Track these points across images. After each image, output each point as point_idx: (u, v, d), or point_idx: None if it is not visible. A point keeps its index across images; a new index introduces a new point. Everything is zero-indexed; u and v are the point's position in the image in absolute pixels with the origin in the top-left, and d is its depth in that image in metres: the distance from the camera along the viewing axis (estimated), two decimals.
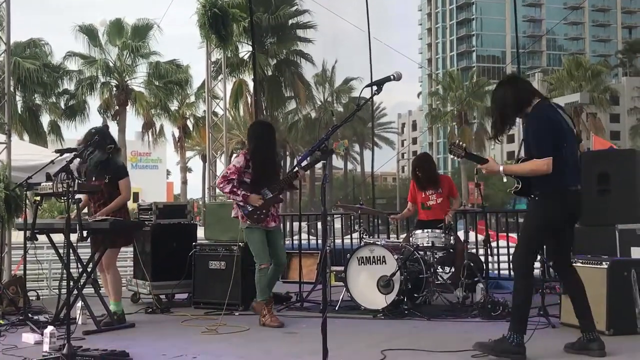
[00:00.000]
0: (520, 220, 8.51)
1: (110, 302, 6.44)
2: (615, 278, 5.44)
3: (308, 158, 4.75)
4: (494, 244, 8.58)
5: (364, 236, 7.37)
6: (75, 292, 6.06)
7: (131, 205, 7.81)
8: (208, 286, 7.34)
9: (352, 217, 9.78)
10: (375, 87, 4.36)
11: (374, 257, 6.80)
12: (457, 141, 5.32)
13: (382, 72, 4.73)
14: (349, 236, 10.27)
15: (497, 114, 4.93)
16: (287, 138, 50.90)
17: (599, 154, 7.63)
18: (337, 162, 58.68)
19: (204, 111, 21.76)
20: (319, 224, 8.40)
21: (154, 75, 33.16)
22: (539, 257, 6.00)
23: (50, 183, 5.59)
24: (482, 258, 7.76)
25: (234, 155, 11.26)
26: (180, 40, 47.70)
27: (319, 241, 9.60)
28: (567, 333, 5.22)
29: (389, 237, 9.82)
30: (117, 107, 34.16)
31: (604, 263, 5.50)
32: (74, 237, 5.57)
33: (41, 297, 8.17)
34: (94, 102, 33.58)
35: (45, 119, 33.08)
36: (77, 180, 5.35)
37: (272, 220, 6.48)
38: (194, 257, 7.52)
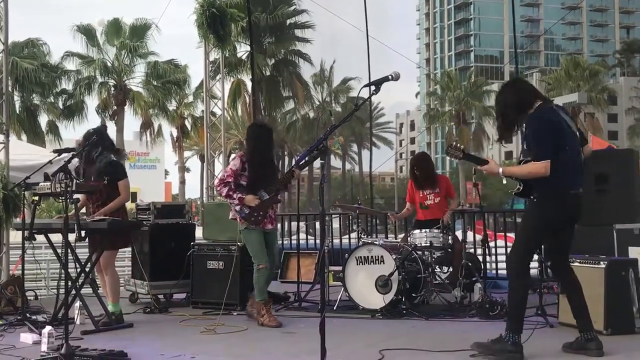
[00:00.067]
0: (518, 220, 8.52)
1: (108, 303, 6.43)
2: (613, 278, 5.45)
3: (306, 157, 4.75)
4: (491, 244, 8.58)
5: (362, 236, 7.37)
6: (74, 292, 6.06)
7: (129, 205, 7.81)
8: (206, 286, 7.34)
9: (350, 217, 9.79)
10: (373, 87, 4.36)
11: (372, 257, 6.81)
12: (455, 143, 5.29)
13: (380, 72, 4.75)
14: (347, 236, 10.26)
15: (500, 116, 4.95)
16: (286, 138, 50.91)
17: (597, 154, 7.61)
18: (335, 162, 58.79)
19: (202, 111, 21.70)
20: (317, 224, 8.41)
21: (152, 75, 33.18)
22: (536, 257, 6.01)
23: (49, 183, 5.58)
24: (480, 258, 7.80)
25: (232, 156, 11.26)
26: (180, 40, 47.48)
27: (317, 241, 9.61)
28: (565, 333, 5.22)
29: (387, 237, 9.83)
30: (115, 107, 34.17)
31: (601, 263, 5.51)
32: (72, 237, 5.57)
33: (39, 297, 8.14)
34: (92, 102, 33.70)
35: (43, 119, 33.19)
36: (75, 180, 5.35)
37: (269, 223, 6.49)
38: (192, 257, 7.53)
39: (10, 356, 5.09)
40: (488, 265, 8.04)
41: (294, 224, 11.02)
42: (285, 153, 52.91)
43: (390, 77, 4.32)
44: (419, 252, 6.99)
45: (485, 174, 5.21)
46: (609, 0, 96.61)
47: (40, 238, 6.49)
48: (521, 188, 4.85)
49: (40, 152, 10.24)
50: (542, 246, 5.73)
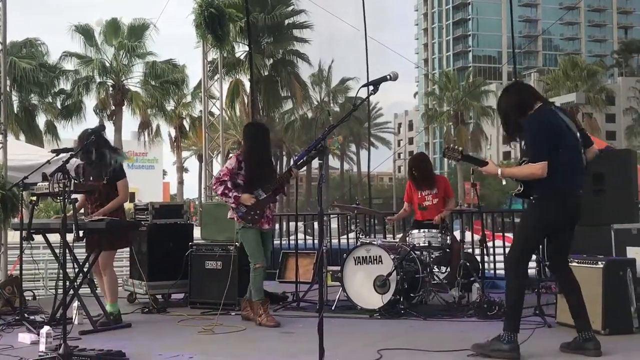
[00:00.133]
0: (516, 220, 8.53)
1: (107, 304, 6.42)
2: (611, 277, 5.46)
3: (305, 157, 4.76)
4: (489, 244, 8.59)
5: (360, 236, 7.38)
6: (72, 292, 6.06)
7: (127, 205, 7.80)
8: (204, 286, 7.34)
9: (348, 217, 9.79)
10: (371, 87, 4.36)
11: (370, 256, 6.80)
12: (453, 145, 5.30)
13: (378, 72, 4.73)
14: (345, 236, 10.27)
15: (502, 117, 4.97)
16: (284, 138, 50.97)
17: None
18: (333, 162, 58.85)
19: (200, 111, 21.73)
20: (316, 224, 8.42)
21: (150, 75, 33.14)
22: (534, 257, 6.02)
23: (47, 183, 5.58)
24: (478, 258, 7.81)
25: (230, 156, 11.25)
26: (180, 40, 47.51)
27: (316, 241, 9.62)
28: (563, 332, 5.23)
29: (385, 237, 9.83)
30: (113, 107, 34.16)
31: (599, 263, 5.52)
32: (70, 237, 5.56)
33: (37, 297, 8.16)
34: (90, 102, 33.68)
35: (41, 119, 33.18)
36: (73, 180, 5.35)
37: (266, 223, 6.50)
38: (190, 257, 7.52)
39: (9, 356, 5.08)
40: (486, 265, 8.06)
41: (292, 223, 11.02)
42: (284, 153, 52.95)
43: (388, 77, 4.32)
44: (417, 252, 6.99)
45: (483, 174, 5.22)
46: (607, 1, 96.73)
47: (38, 238, 6.49)
48: (522, 189, 4.85)
49: (39, 152, 10.25)
50: (541, 246, 5.74)
